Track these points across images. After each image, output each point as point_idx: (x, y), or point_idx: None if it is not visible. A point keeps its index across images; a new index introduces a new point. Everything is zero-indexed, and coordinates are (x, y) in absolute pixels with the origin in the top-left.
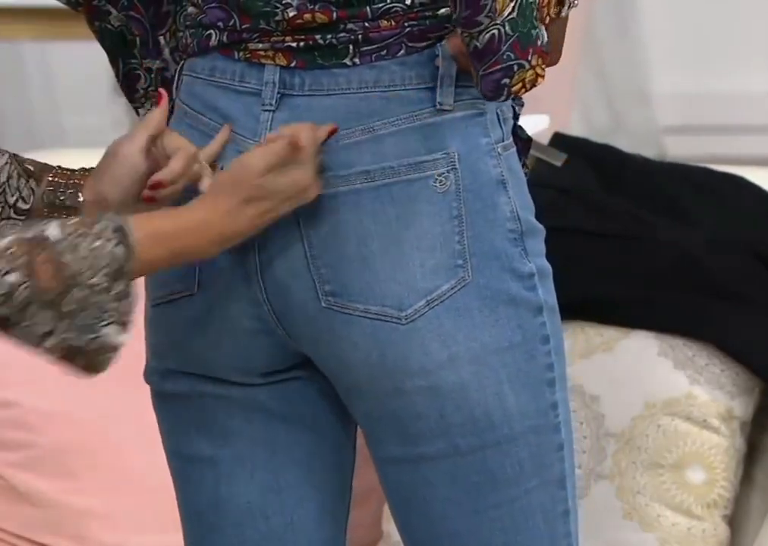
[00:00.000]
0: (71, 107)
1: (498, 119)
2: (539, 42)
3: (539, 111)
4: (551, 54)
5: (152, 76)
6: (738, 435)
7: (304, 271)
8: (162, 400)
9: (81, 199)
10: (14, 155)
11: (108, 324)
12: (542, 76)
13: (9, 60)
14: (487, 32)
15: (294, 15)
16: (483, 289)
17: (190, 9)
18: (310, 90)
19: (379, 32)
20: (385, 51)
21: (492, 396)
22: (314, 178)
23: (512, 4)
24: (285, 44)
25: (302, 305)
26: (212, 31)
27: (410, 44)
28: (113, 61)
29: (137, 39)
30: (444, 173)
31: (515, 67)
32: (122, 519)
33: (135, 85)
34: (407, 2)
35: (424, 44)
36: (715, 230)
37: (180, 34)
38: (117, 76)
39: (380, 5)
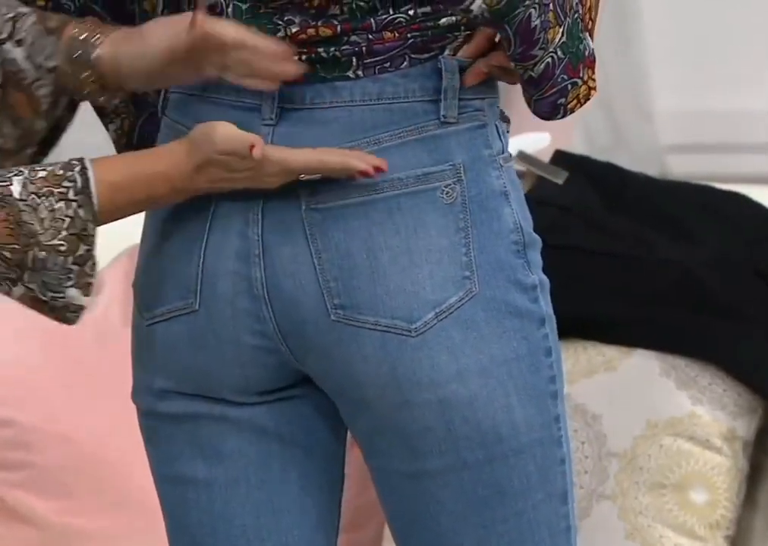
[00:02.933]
0: (73, 122)
1: (498, 131)
2: (587, 54)
3: (540, 128)
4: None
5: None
6: (740, 456)
7: (313, 285)
8: (153, 421)
9: (94, 54)
10: (41, 12)
11: (71, 286)
12: (594, 89)
13: None
14: (542, 63)
15: (297, 31)
16: (489, 301)
17: None
18: (312, 103)
19: (383, 43)
20: (388, 63)
21: (499, 408)
22: (278, 173)
23: (561, 29)
24: None
25: (310, 320)
26: None
27: (413, 56)
28: None
29: None
30: (450, 184)
31: (569, 87)
32: (122, 539)
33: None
34: (410, 13)
35: (427, 55)
36: (717, 249)
37: None
38: None
39: (384, 16)
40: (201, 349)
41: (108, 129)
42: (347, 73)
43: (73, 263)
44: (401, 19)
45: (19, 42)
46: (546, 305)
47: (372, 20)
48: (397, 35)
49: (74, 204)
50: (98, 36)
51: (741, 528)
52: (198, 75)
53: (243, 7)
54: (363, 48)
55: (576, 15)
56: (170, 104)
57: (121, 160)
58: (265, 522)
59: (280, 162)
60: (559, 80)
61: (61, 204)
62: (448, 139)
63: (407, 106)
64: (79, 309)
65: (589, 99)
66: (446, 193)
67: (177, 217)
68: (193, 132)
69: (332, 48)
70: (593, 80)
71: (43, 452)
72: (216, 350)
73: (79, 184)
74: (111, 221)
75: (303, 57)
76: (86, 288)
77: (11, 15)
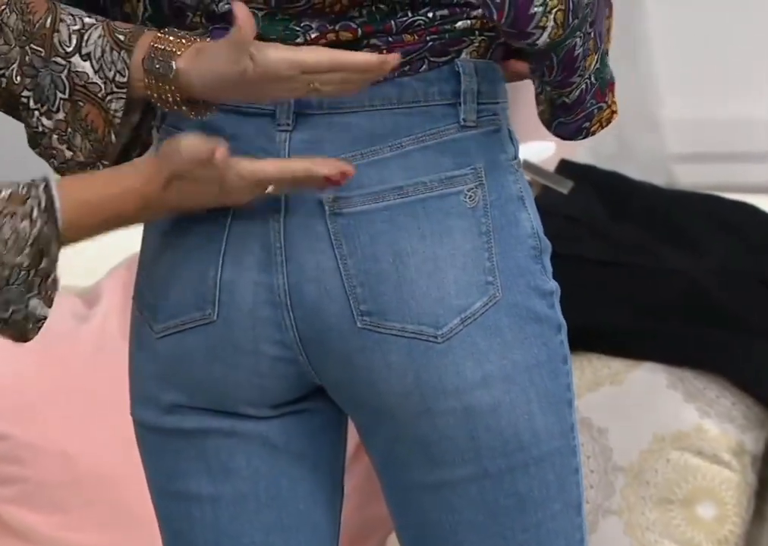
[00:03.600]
0: None
1: (510, 136)
2: (610, 78)
3: (545, 137)
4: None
5: None
6: (749, 470)
7: (339, 292)
8: (156, 436)
9: (174, 67)
10: (108, 23)
11: (33, 296)
12: (617, 112)
13: None
14: (577, 89)
15: (317, 36)
16: (512, 306)
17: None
18: (330, 108)
19: (403, 46)
20: (408, 66)
21: (522, 416)
22: (247, 186)
23: (597, 56)
24: None
25: (335, 328)
26: None
27: (432, 59)
28: None
29: None
30: (473, 188)
31: (595, 111)
32: None
33: None
34: (429, 15)
35: (445, 59)
36: (725, 259)
37: None
38: None
39: (404, 19)
40: (217, 361)
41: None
42: None
43: (36, 275)
44: (421, 21)
45: (87, 56)
46: (560, 312)
47: (392, 22)
48: (416, 37)
49: (39, 222)
50: (178, 48)
51: (750, 543)
52: (275, 98)
53: (260, 14)
54: (384, 52)
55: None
56: (168, 113)
57: (92, 178)
58: (275, 539)
59: (247, 174)
60: (588, 104)
61: (25, 223)
62: (468, 143)
63: (426, 110)
64: (41, 321)
65: (611, 122)
66: (469, 197)
67: (187, 228)
68: (161, 148)
69: None
70: (615, 103)
71: (38, 466)
72: (233, 362)
73: (43, 202)
74: (79, 239)
75: None
76: (49, 300)
77: (76, 27)
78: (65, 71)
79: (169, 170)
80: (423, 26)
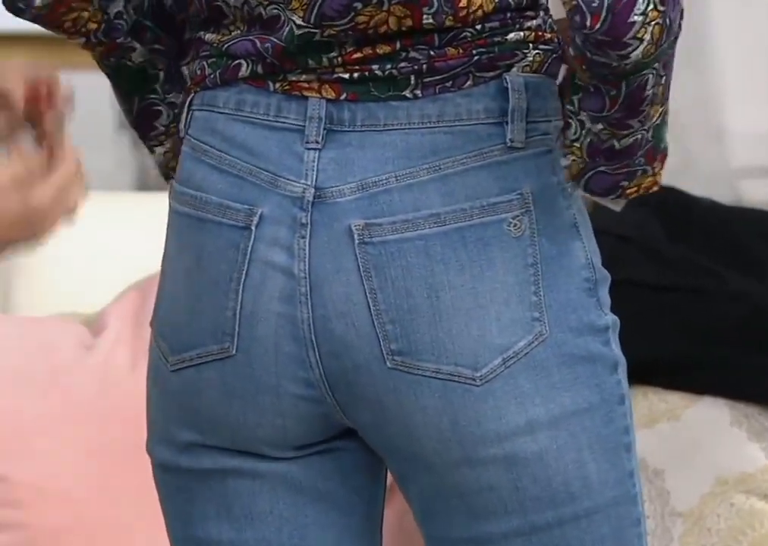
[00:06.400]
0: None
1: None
2: (664, 147)
3: None
4: None
5: (176, 110)
6: None
7: (367, 329)
8: (172, 476)
9: None
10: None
11: None
12: (658, 184)
13: None
14: (632, 136)
15: (352, 50)
16: (561, 345)
17: (209, 36)
18: (363, 125)
19: (445, 61)
20: (450, 82)
21: (572, 464)
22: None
23: (661, 110)
24: (335, 75)
25: (363, 367)
26: (242, 60)
27: (477, 74)
28: (127, 99)
29: (161, 73)
30: (518, 216)
31: (639, 172)
32: None
33: (153, 122)
34: (477, 27)
35: (492, 74)
36: None
37: (192, 64)
38: (129, 114)
39: (449, 31)
40: (235, 398)
41: (152, 152)
42: (404, 93)
43: None
44: (468, 34)
45: None
46: (617, 348)
47: (435, 34)
48: (461, 51)
49: None
50: None
51: None
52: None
53: (297, 32)
54: (424, 66)
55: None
56: (195, 122)
57: None
58: None
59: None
60: (636, 161)
61: None
62: (514, 165)
63: (469, 129)
64: None
65: (649, 192)
66: (514, 226)
67: (206, 254)
68: None
69: (389, 66)
70: (660, 175)
71: (38, 511)
72: (253, 399)
73: None
74: None
75: (355, 75)
76: None
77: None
78: None
79: None
80: (469, 39)
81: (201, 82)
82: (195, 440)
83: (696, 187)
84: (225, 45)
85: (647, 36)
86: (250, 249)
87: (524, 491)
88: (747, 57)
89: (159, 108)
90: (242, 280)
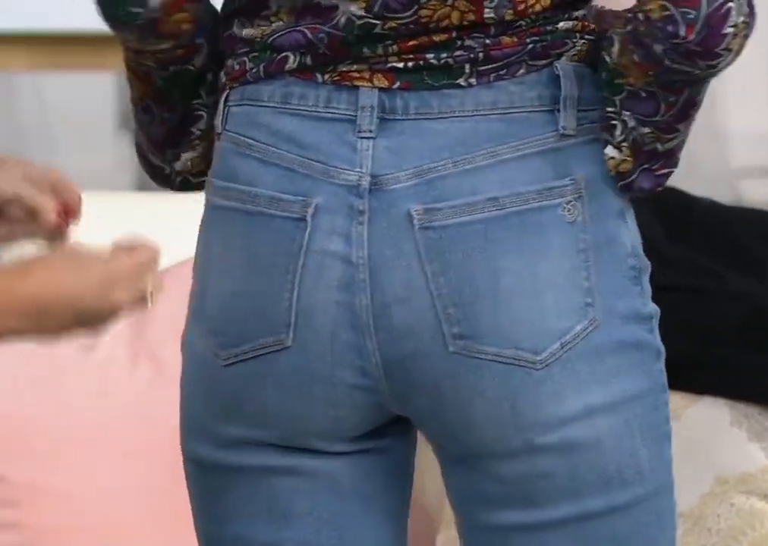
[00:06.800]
0: (70, 146)
1: None
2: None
3: None
4: None
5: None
6: None
7: (429, 313)
8: (210, 473)
9: None
10: None
11: None
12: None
13: (0, 92)
14: (675, 140)
15: (409, 38)
16: (612, 331)
17: (246, 31)
18: (417, 113)
19: (500, 49)
20: (504, 70)
21: (625, 451)
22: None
23: (695, 115)
24: (389, 64)
25: (422, 353)
26: (288, 53)
27: (531, 62)
28: (173, 106)
29: (209, 74)
30: (572, 201)
31: (671, 174)
32: None
33: (191, 127)
34: (531, 16)
35: (544, 62)
36: None
37: (229, 62)
38: (164, 123)
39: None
40: (289, 390)
41: (178, 158)
42: (458, 81)
43: None
44: (522, 22)
45: None
46: (659, 337)
47: (492, 24)
48: (516, 40)
49: None
50: None
51: None
52: None
53: (357, 22)
54: (480, 54)
55: None
56: (233, 118)
57: None
58: None
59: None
60: (673, 161)
61: None
62: (566, 152)
63: (523, 117)
64: None
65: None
66: (568, 211)
67: (259, 248)
68: None
69: (444, 55)
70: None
71: (37, 512)
72: (307, 390)
73: None
74: None
75: (409, 64)
76: None
77: None
78: None
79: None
80: (523, 28)
81: (240, 77)
82: (242, 436)
83: (696, 187)
84: (271, 38)
85: (735, 47)
86: (306, 239)
87: (579, 476)
88: (747, 57)
89: (201, 112)
90: (298, 271)
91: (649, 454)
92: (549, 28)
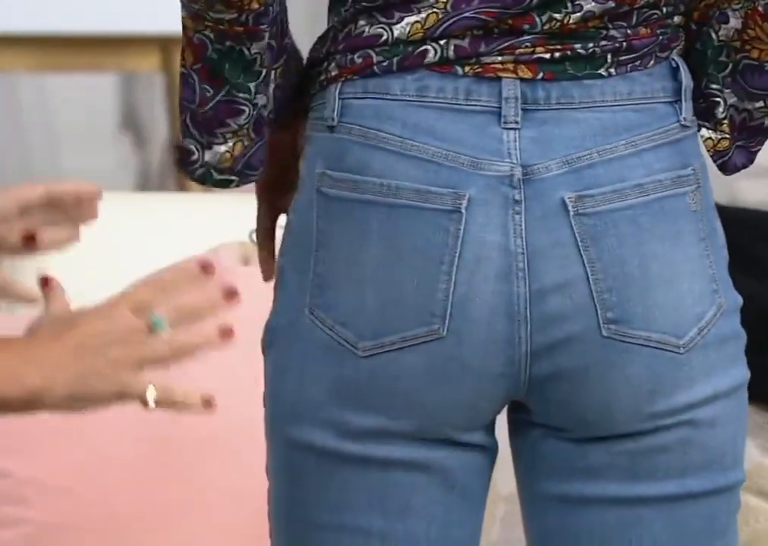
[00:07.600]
0: (72, 146)
1: None
2: None
3: None
4: None
5: (255, 113)
6: None
7: (585, 299)
8: (327, 461)
9: None
10: None
11: None
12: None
13: (2, 93)
14: None
15: (548, 26)
16: (730, 318)
17: (373, 30)
18: (558, 103)
19: (639, 39)
20: (639, 61)
21: (730, 436)
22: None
23: None
24: (535, 55)
25: (576, 338)
26: (429, 46)
27: (659, 54)
28: (216, 86)
29: (263, 70)
30: (694, 190)
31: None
32: None
33: (227, 119)
34: (663, 9)
35: (665, 54)
36: None
37: (340, 56)
38: (204, 102)
39: (644, 9)
40: (439, 381)
41: (209, 147)
42: (599, 71)
43: None
44: (656, 14)
45: None
46: None
47: (635, 12)
48: (650, 31)
49: None
50: None
51: None
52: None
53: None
54: (623, 44)
55: None
56: (353, 110)
57: None
58: None
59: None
60: (766, 139)
61: None
62: (686, 143)
63: (652, 107)
64: None
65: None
66: (692, 199)
67: (405, 240)
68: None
69: (591, 44)
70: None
71: (42, 508)
72: (457, 380)
73: None
74: None
75: (556, 54)
76: None
77: None
78: None
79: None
80: (655, 19)
81: (361, 70)
82: (375, 426)
83: None
84: (437, 29)
85: None
86: (462, 231)
87: (689, 457)
88: None
89: (244, 107)
90: (455, 262)
91: (743, 444)
92: (669, 21)
